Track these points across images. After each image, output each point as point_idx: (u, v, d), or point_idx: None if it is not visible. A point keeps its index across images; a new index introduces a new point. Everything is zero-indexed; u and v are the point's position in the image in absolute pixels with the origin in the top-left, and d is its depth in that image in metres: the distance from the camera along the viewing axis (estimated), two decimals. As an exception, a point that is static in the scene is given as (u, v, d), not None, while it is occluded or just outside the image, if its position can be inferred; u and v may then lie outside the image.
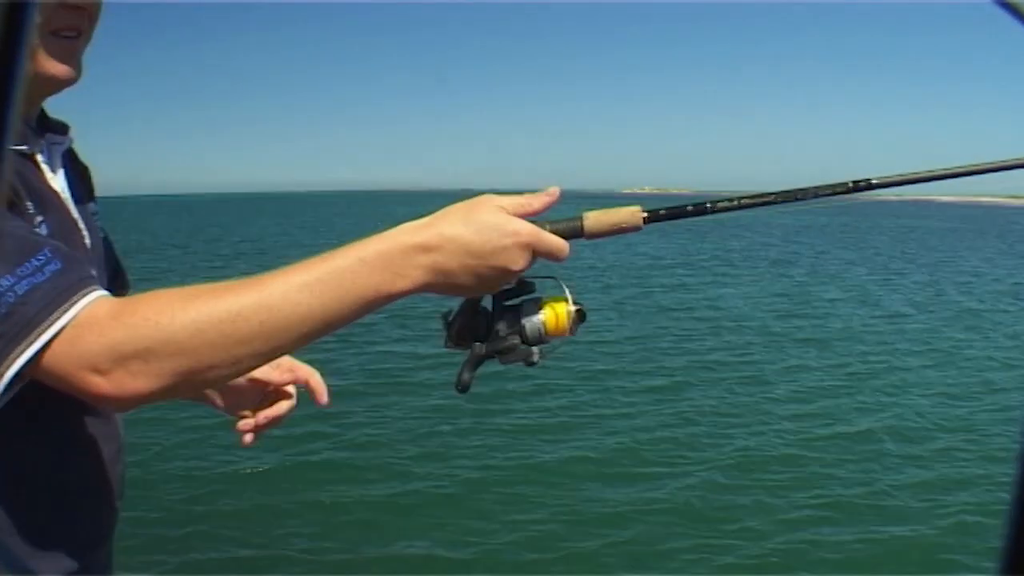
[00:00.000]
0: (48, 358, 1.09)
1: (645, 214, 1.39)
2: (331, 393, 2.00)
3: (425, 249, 1.21)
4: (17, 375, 1.09)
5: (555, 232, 1.32)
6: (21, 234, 1.16)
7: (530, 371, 1.69)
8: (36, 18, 0.76)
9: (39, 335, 1.08)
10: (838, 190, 1.41)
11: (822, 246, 43.54)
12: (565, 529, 7.54)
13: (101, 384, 1.11)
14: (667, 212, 1.42)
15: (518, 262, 1.26)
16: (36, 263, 1.10)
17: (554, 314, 1.36)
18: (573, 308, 1.37)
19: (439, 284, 1.23)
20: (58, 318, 1.09)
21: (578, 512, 7.86)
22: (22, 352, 1.08)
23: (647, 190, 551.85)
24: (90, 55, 1.41)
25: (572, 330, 1.38)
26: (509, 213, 1.27)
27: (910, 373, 13.93)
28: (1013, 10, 0.73)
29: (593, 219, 1.38)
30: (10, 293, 1.08)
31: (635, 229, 1.39)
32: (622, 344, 15.48)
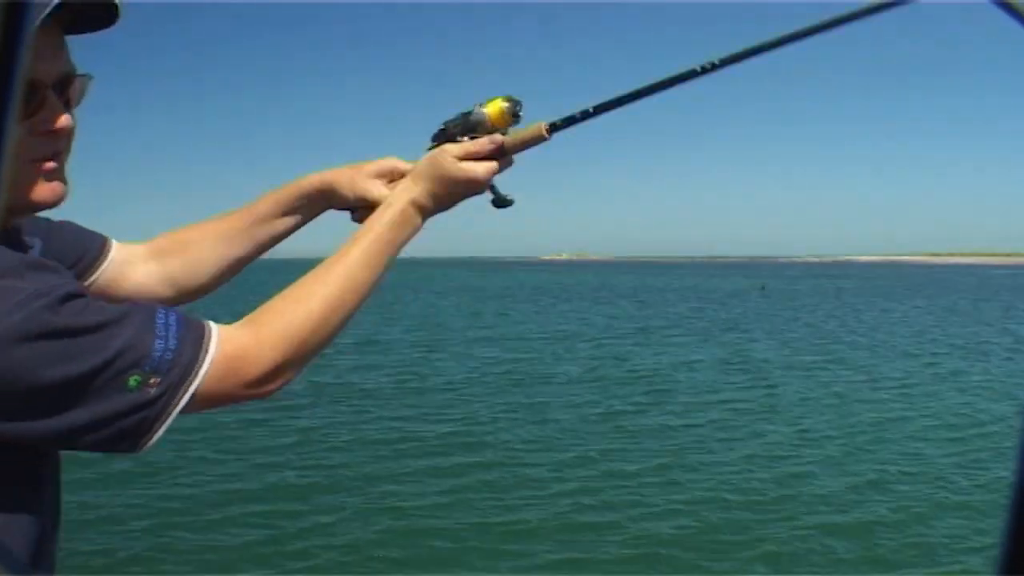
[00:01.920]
0: (211, 388, 1.24)
1: (548, 125, 1.61)
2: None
3: (418, 205, 1.54)
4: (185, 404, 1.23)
5: (483, 157, 1.59)
6: (133, 305, 1.26)
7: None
8: (35, 23, 0.78)
9: (199, 372, 1.22)
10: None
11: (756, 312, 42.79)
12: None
13: (265, 392, 1.32)
14: (564, 121, 1.60)
15: (474, 189, 1.59)
16: (161, 321, 1.22)
17: (494, 107, 1.61)
18: (505, 103, 1.60)
19: (433, 214, 1.58)
20: (206, 356, 1.23)
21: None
22: (189, 387, 1.22)
23: (565, 256, 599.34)
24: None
25: (509, 120, 1.61)
26: (460, 159, 1.57)
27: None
28: (1012, 10, 0.71)
29: (510, 139, 1.60)
30: (168, 352, 1.20)
31: (543, 140, 1.61)
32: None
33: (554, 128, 1.61)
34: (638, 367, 21.02)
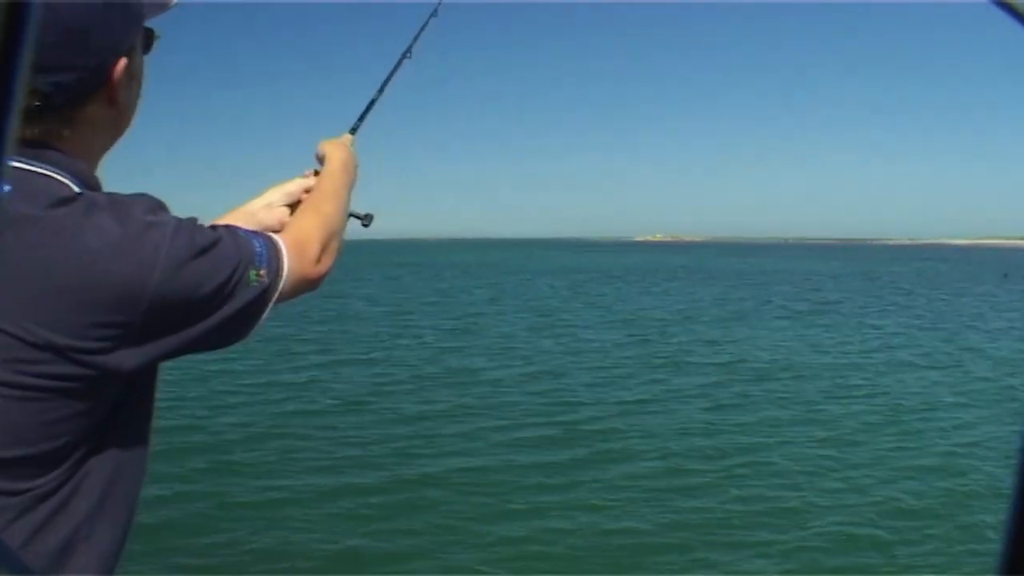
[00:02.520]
0: (293, 270, 1.55)
1: (351, 135, 2.11)
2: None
3: (345, 163, 1.94)
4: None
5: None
6: (223, 226, 1.52)
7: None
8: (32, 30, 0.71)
9: (284, 258, 1.53)
10: None
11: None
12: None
13: (324, 268, 1.65)
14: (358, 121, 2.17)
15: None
16: (243, 232, 1.51)
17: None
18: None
19: (353, 172, 1.98)
20: (282, 248, 1.54)
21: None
22: (283, 270, 1.52)
23: (659, 237, 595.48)
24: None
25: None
26: (347, 145, 2.04)
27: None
28: (1011, 10, 0.71)
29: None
30: (263, 249, 1.50)
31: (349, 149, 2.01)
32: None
33: (354, 131, 2.13)
34: (754, 352, 20.26)
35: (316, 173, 1.92)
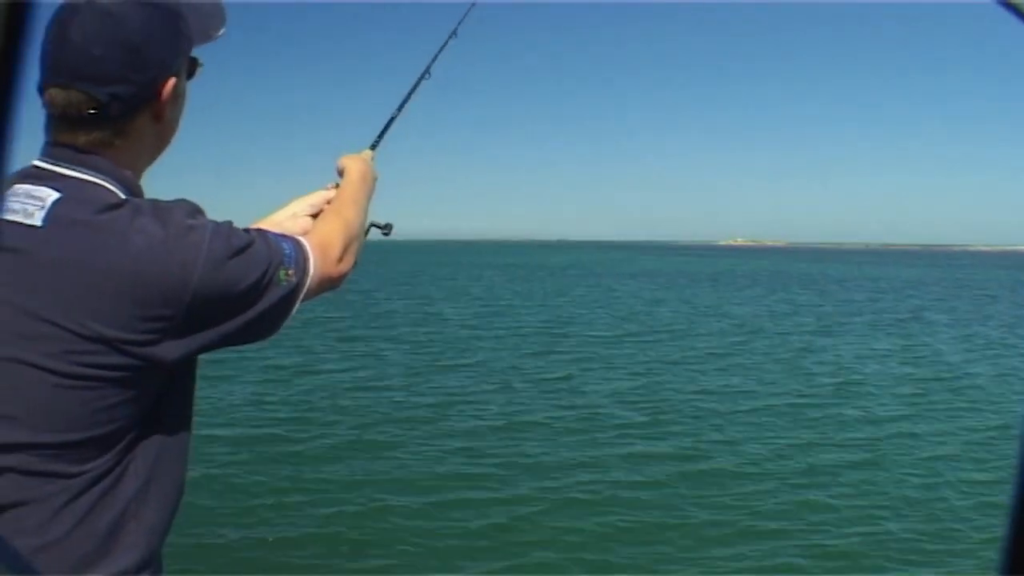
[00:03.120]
0: (318, 270, 1.66)
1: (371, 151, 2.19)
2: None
3: (364, 175, 2.02)
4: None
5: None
6: (255, 229, 1.62)
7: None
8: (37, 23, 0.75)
9: (311, 258, 1.65)
10: None
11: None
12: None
13: (345, 268, 1.76)
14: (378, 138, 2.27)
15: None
16: (273, 235, 1.62)
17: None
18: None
19: (371, 183, 2.04)
20: (309, 249, 1.66)
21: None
22: (310, 270, 1.64)
23: (740, 242, 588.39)
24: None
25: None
26: (367, 160, 2.11)
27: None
28: (1015, 9, 0.70)
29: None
30: (291, 250, 1.61)
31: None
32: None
33: (374, 147, 2.24)
34: (833, 360, 19.65)
35: (337, 186, 2.03)
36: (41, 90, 1.50)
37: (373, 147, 2.23)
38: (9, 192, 1.44)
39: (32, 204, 1.44)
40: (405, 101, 2.38)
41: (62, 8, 1.49)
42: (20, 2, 0.65)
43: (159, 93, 1.55)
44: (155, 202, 1.51)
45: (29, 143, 1.43)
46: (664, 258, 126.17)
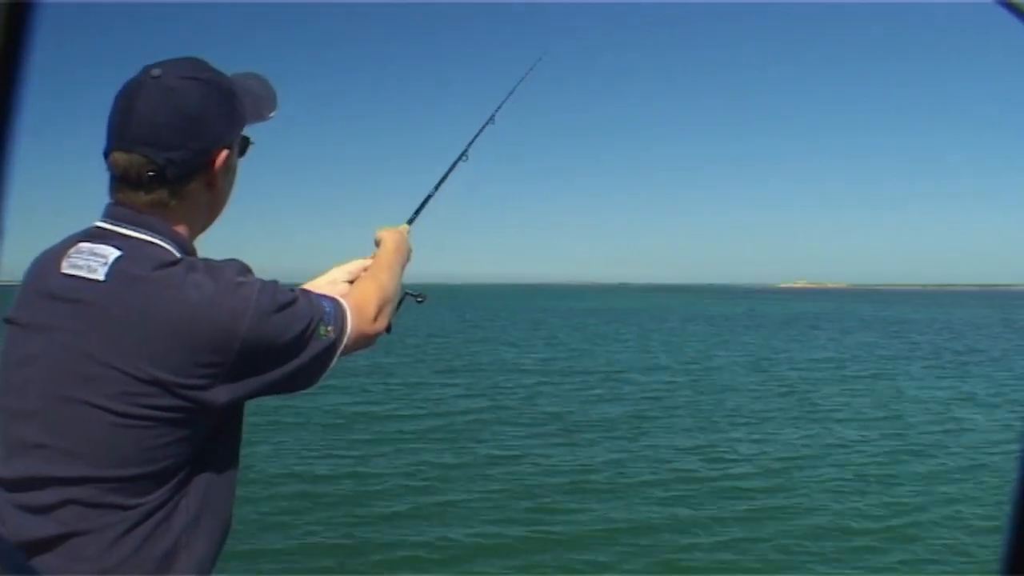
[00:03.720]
0: (355, 327, 1.78)
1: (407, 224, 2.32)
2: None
3: (399, 245, 2.15)
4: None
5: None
6: (299, 288, 1.78)
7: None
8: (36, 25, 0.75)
9: (349, 317, 1.77)
10: None
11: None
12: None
13: (379, 327, 1.89)
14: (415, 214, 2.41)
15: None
16: (315, 295, 1.75)
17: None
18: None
19: (406, 254, 2.19)
20: (347, 309, 1.78)
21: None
22: (347, 327, 1.76)
23: (801, 284, 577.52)
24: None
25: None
26: (403, 232, 2.24)
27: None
28: (1015, 9, 0.70)
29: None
30: (331, 309, 1.74)
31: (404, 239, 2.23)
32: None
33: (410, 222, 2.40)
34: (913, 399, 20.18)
35: (374, 256, 2.15)
36: (107, 155, 1.64)
37: (410, 222, 2.38)
38: (73, 250, 1.59)
39: (95, 261, 1.56)
40: (442, 181, 2.53)
41: (130, 83, 1.64)
42: (20, 2, 0.66)
43: (212, 162, 1.67)
44: (208, 261, 1.64)
45: (94, 206, 1.68)
46: (734, 301, 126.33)
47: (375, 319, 1.89)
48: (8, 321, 1.65)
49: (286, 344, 1.63)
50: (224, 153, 1.70)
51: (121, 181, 1.63)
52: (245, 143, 1.81)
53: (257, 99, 1.82)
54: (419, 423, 16.19)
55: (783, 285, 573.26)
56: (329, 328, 1.71)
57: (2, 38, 0.64)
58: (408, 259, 2.21)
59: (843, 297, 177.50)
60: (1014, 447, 14.44)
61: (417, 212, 2.42)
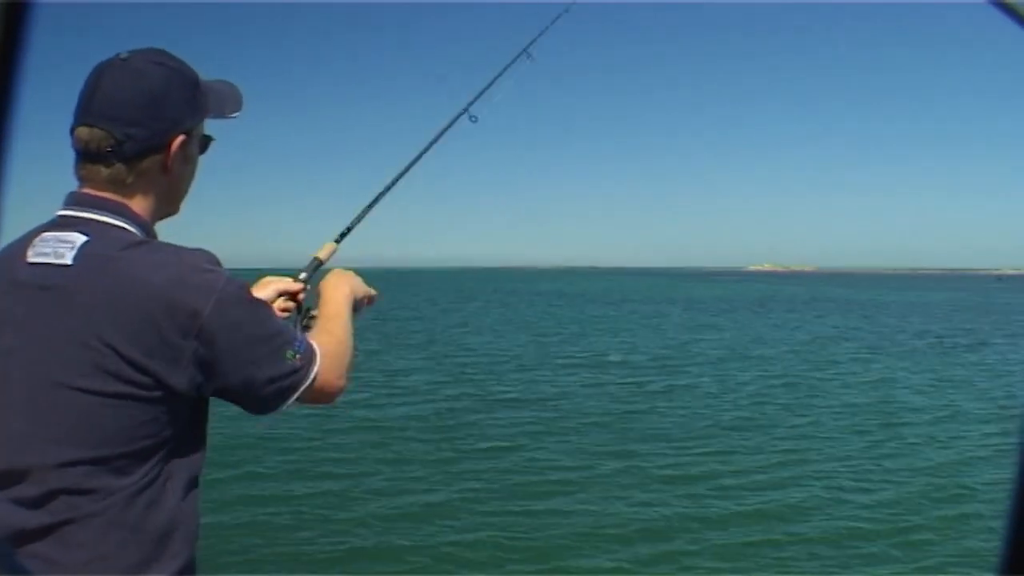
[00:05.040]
0: (322, 371, 1.72)
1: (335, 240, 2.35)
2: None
3: (351, 296, 2.00)
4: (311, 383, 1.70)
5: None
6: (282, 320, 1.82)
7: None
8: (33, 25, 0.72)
9: (318, 357, 1.72)
10: None
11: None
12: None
13: (343, 384, 1.80)
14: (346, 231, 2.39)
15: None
16: (291, 332, 1.73)
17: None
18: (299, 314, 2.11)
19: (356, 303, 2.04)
20: (317, 349, 1.74)
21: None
22: (315, 366, 1.71)
23: (768, 267, 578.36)
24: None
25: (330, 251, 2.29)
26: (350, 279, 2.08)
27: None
28: (1010, 11, 0.68)
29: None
30: (302, 342, 1.71)
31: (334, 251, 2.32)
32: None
33: (341, 239, 2.34)
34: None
35: (303, 279, 2.20)
36: (72, 131, 1.65)
37: (339, 240, 2.38)
38: (38, 239, 1.61)
39: (62, 247, 1.58)
40: (375, 202, 2.48)
41: (99, 65, 1.67)
42: (20, 2, 0.64)
43: (169, 145, 1.69)
44: (174, 245, 1.64)
45: (55, 196, 1.73)
46: (705, 284, 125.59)
47: (343, 375, 1.82)
48: None
49: (247, 342, 1.61)
50: (181, 138, 1.71)
51: (83, 157, 1.66)
52: (206, 141, 1.83)
53: (221, 96, 1.83)
54: (394, 412, 15.37)
55: (751, 268, 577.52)
56: (297, 356, 1.68)
57: (1, 38, 0.62)
58: (365, 303, 2.12)
59: (812, 280, 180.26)
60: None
61: (349, 229, 2.41)
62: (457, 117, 2.66)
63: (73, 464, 1.51)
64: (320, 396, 1.75)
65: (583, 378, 20.11)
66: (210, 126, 1.85)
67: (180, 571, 1.60)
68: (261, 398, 1.66)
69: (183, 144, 1.72)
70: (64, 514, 1.51)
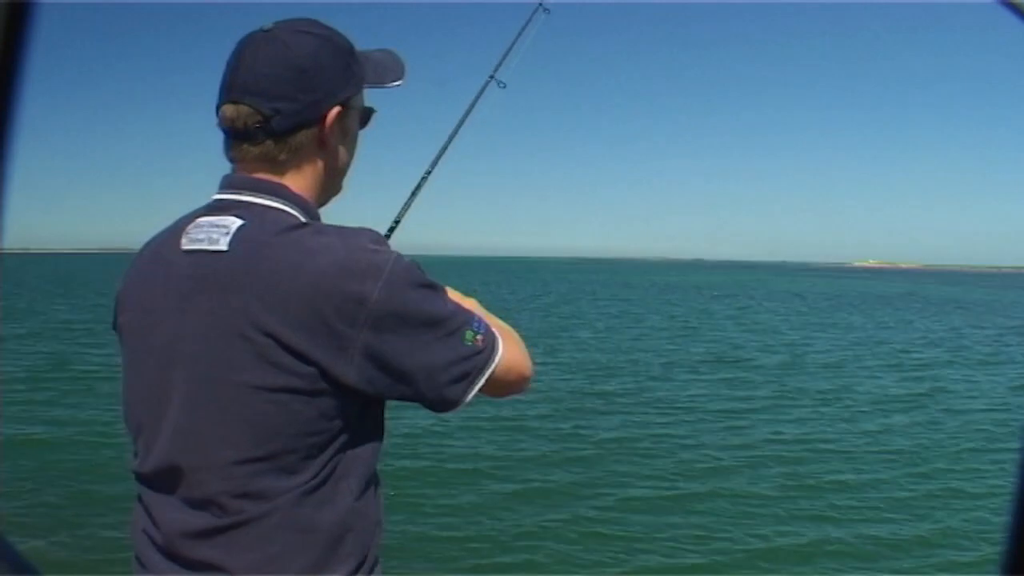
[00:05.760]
0: (508, 354, 1.55)
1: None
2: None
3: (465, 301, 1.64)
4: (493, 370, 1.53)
5: None
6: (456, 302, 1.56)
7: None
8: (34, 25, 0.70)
9: (499, 340, 1.55)
10: None
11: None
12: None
13: (532, 369, 1.64)
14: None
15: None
16: (469, 313, 1.54)
17: None
18: None
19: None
20: (499, 335, 1.57)
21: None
22: (498, 347, 1.54)
23: (872, 263, 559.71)
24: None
25: None
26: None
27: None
28: (1016, 9, 0.67)
29: None
30: (481, 323, 1.54)
31: None
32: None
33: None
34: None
35: None
36: (217, 111, 1.54)
37: (389, 232, 2.12)
38: (192, 225, 1.50)
39: (216, 232, 1.46)
40: (417, 190, 2.21)
41: (242, 40, 1.55)
42: (20, 2, 0.64)
43: (324, 117, 1.54)
44: (338, 226, 1.50)
45: (209, 181, 1.58)
46: (838, 280, 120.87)
47: (528, 356, 1.67)
48: (126, 312, 1.57)
49: (421, 325, 1.46)
50: (337, 110, 1.56)
51: (232, 136, 1.54)
52: (367, 113, 1.68)
53: (380, 64, 1.67)
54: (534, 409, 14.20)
55: (856, 264, 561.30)
56: (478, 337, 1.52)
57: (2, 38, 0.63)
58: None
59: (920, 278, 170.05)
60: None
61: (397, 222, 2.15)
62: (485, 85, 2.41)
63: (238, 464, 1.42)
64: (508, 382, 1.60)
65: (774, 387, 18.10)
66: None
67: (356, 570, 1.50)
68: (442, 387, 1.49)
69: (339, 116, 1.57)
70: (230, 516, 1.43)
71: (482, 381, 1.52)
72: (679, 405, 15.40)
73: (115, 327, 1.62)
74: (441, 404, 1.52)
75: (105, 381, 14.87)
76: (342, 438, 1.47)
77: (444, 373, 1.48)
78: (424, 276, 1.49)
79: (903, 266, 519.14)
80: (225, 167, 1.60)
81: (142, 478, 1.54)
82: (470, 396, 1.53)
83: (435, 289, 1.51)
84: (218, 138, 1.59)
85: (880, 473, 10.83)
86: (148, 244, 1.61)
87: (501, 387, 1.59)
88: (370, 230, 1.52)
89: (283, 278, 1.40)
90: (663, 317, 38.65)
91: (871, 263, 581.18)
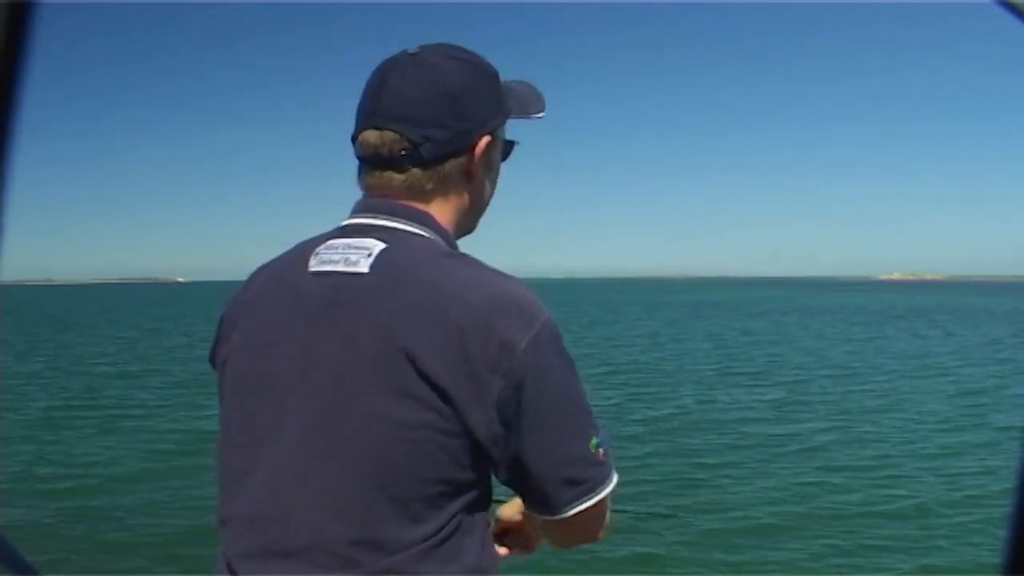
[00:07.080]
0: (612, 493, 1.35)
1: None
2: None
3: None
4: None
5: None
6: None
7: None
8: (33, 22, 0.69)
9: (614, 472, 1.37)
10: None
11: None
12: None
13: (604, 531, 1.42)
14: None
15: None
16: (595, 416, 1.34)
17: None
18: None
19: None
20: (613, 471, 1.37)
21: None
22: (613, 475, 1.35)
23: (897, 276, 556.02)
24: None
25: None
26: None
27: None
28: (1015, 9, 0.66)
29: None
30: (605, 438, 1.32)
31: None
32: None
33: None
34: None
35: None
36: (355, 139, 1.42)
37: None
38: (323, 247, 1.37)
39: (355, 254, 1.33)
40: None
41: (384, 62, 1.43)
42: (20, 2, 0.64)
43: (473, 147, 1.41)
44: (490, 265, 1.37)
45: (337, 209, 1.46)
46: (822, 294, 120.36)
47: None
48: (236, 337, 1.42)
49: (558, 402, 1.30)
50: (486, 139, 1.42)
51: (370, 163, 1.40)
52: (509, 146, 1.54)
53: (522, 95, 1.53)
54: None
55: (881, 276, 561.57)
56: (601, 450, 1.35)
57: (2, 38, 0.62)
58: None
59: (946, 289, 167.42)
60: None
61: None
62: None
63: (361, 507, 1.25)
64: (598, 523, 1.40)
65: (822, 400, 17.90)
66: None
67: None
68: (553, 483, 1.31)
69: (488, 147, 1.44)
70: (346, 568, 1.25)
71: (596, 499, 1.33)
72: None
73: (213, 356, 1.49)
74: (542, 503, 1.35)
75: (106, 380, 15.58)
76: (469, 491, 1.31)
77: (562, 468, 1.31)
78: (566, 349, 1.33)
79: (928, 278, 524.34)
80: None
81: (232, 524, 1.36)
82: (575, 510, 1.33)
83: (575, 367, 1.34)
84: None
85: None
86: (263, 268, 1.48)
87: (587, 524, 1.38)
88: (519, 281, 1.36)
89: (433, 308, 1.27)
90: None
91: (896, 276, 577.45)
